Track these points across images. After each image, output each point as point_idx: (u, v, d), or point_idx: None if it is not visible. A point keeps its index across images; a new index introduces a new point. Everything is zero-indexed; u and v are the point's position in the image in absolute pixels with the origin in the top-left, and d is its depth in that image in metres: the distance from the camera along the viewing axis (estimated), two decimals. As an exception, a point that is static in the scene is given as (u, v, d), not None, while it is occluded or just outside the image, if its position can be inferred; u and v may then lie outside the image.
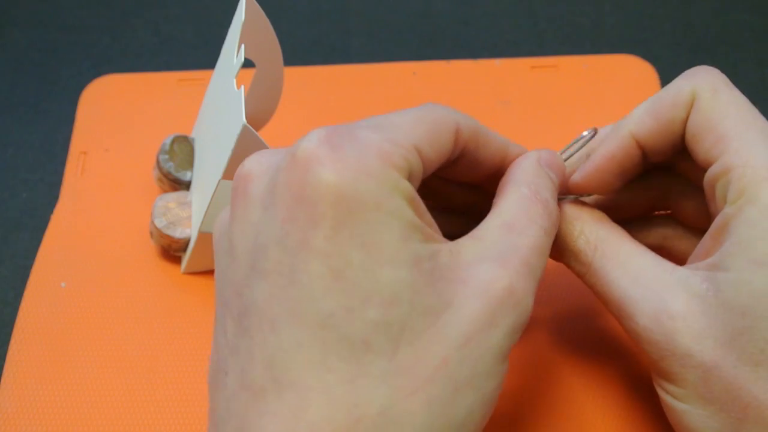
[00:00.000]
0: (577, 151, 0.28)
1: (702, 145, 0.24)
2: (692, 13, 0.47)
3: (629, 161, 0.26)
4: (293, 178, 0.20)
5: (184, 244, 0.34)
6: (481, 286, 0.20)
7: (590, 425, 0.30)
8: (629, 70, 0.42)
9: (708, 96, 0.24)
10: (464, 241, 0.22)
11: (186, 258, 0.34)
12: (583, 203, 0.27)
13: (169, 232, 0.34)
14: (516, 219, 0.23)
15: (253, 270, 0.20)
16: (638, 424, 0.30)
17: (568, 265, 0.26)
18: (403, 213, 0.20)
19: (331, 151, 0.20)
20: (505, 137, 0.26)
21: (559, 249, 0.26)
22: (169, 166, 0.36)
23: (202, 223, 0.32)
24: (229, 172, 0.30)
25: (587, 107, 0.41)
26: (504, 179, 0.25)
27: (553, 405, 0.31)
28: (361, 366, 0.19)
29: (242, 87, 0.29)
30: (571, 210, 0.26)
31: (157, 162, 0.36)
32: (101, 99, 0.42)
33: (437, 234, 0.22)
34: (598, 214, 0.26)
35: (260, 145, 0.29)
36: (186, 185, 0.36)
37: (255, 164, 0.22)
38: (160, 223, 0.34)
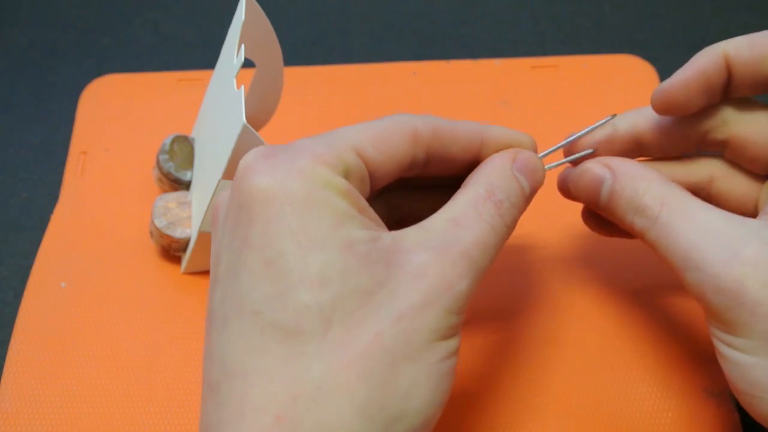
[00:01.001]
0: (589, 131, 0.28)
1: None
2: (692, 13, 0.47)
3: (717, 81, 0.26)
4: (235, 190, 0.22)
5: (184, 244, 0.34)
6: (415, 270, 0.21)
7: (590, 424, 0.30)
8: (629, 70, 0.42)
9: None
10: (409, 230, 0.23)
11: (186, 258, 0.34)
12: (646, 164, 0.27)
13: (169, 232, 0.34)
14: (463, 215, 0.23)
15: (213, 280, 0.23)
16: (639, 424, 0.30)
17: (631, 225, 0.25)
18: (334, 203, 0.21)
19: (264, 159, 0.22)
20: (479, 124, 0.26)
21: (623, 207, 0.26)
22: (169, 166, 0.36)
23: (202, 223, 0.32)
24: (229, 172, 0.30)
25: (587, 107, 0.41)
26: (468, 178, 0.26)
27: (551, 399, 0.31)
28: (295, 346, 0.20)
29: (242, 87, 0.29)
30: (637, 168, 0.26)
31: (157, 162, 0.36)
32: (101, 99, 0.42)
33: (380, 225, 0.23)
34: (663, 174, 0.26)
35: (260, 145, 0.29)
36: (186, 185, 0.36)
37: (222, 195, 0.24)
38: (160, 223, 0.34)
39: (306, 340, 0.20)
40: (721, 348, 0.24)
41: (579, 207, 0.32)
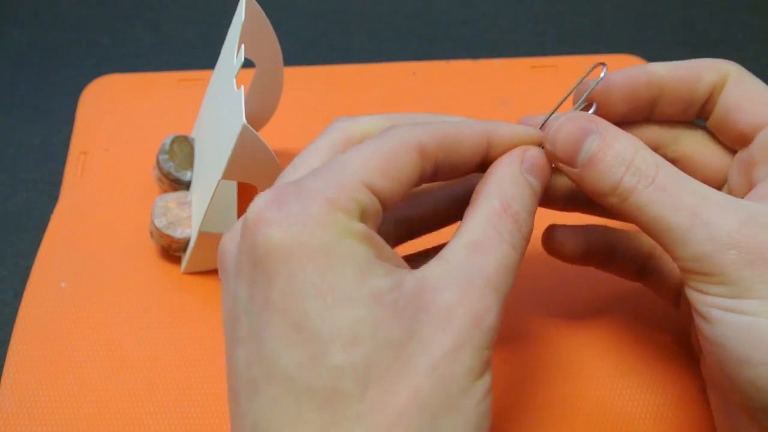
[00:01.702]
0: (582, 80, 0.28)
1: (747, 111, 0.26)
2: (692, 13, 0.47)
3: (644, 91, 0.27)
4: (247, 243, 0.21)
5: (184, 244, 0.34)
6: (442, 313, 0.20)
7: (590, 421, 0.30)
8: (629, 70, 0.42)
9: (746, 75, 0.27)
10: (431, 265, 0.22)
11: (186, 258, 0.34)
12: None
13: (169, 232, 0.34)
14: (483, 237, 0.22)
15: (232, 340, 0.22)
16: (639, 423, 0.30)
17: (616, 182, 0.24)
18: (355, 253, 0.20)
19: (277, 210, 0.20)
20: (483, 122, 0.25)
21: (610, 163, 0.24)
22: (169, 166, 0.36)
23: (202, 223, 0.32)
24: (229, 172, 0.30)
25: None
26: (478, 187, 0.25)
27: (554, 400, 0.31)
28: (333, 412, 0.19)
29: (242, 87, 0.29)
30: (625, 133, 0.25)
31: (157, 162, 0.36)
32: (101, 99, 0.42)
33: (400, 264, 0.22)
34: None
35: (260, 145, 0.29)
36: (186, 185, 0.36)
37: (227, 238, 0.23)
38: (160, 223, 0.34)
39: (344, 404, 0.19)
40: (724, 317, 0.22)
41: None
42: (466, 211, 0.24)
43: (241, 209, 0.33)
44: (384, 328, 0.20)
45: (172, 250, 0.35)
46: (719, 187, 0.28)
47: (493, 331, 0.21)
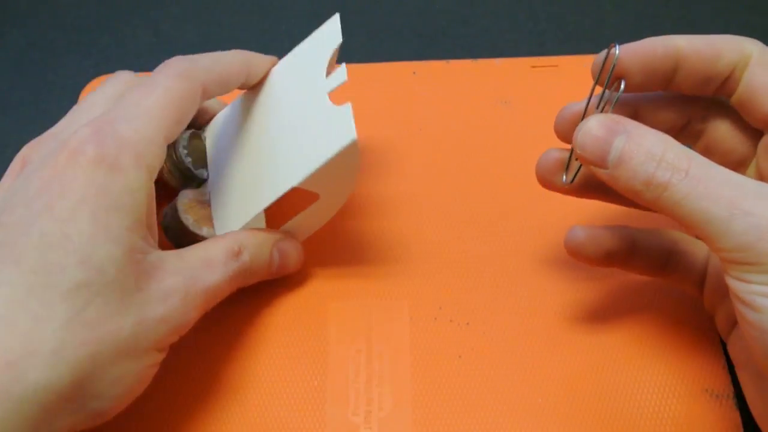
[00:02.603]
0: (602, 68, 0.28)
1: None
2: (692, 13, 0.47)
3: (661, 67, 0.27)
4: (59, 159, 0.25)
5: None
6: (166, 292, 0.26)
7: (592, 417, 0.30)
8: (629, 70, 0.42)
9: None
10: (170, 255, 0.27)
11: None
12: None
13: (196, 230, 0.33)
14: (215, 259, 0.29)
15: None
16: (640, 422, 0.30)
17: (649, 178, 0.24)
18: (137, 210, 0.25)
19: (95, 146, 0.25)
20: (243, 54, 0.32)
21: (641, 160, 0.24)
22: (188, 162, 0.34)
23: (246, 224, 0.32)
24: (309, 181, 0.29)
25: (587, 107, 0.41)
26: (229, 234, 0.31)
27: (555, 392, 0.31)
28: (51, 312, 0.23)
29: (349, 104, 0.28)
30: (653, 130, 0.25)
31: (175, 155, 0.34)
32: (101, 99, 0.42)
33: (153, 239, 0.27)
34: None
35: (354, 164, 0.29)
36: (197, 183, 0.35)
37: (32, 150, 0.29)
38: (187, 220, 0.33)
39: (62, 309, 0.23)
40: (767, 303, 0.23)
41: (585, 207, 0.32)
42: (210, 241, 0.30)
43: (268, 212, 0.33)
44: (125, 274, 0.25)
45: (182, 248, 0.33)
46: (748, 165, 0.28)
47: (189, 326, 0.27)
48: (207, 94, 0.29)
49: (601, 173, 0.25)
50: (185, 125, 0.29)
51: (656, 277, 0.31)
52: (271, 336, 0.33)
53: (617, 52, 0.27)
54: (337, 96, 0.30)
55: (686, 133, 0.30)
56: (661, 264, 0.31)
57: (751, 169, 0.28)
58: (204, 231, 0.33)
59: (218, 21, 0.47)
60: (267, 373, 0.32)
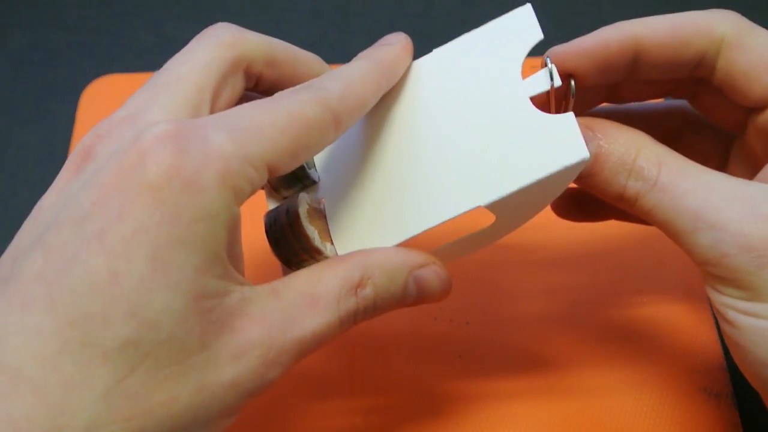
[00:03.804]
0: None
1: (759, 81, 0.23)
2: (692, 13, 0.47)
3: (618, 58, 0.24)
4: (123, 164, 0.19)
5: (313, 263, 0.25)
6: (240, 346, 0.20)
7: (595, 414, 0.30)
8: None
9: (748, 34, 0.24)
10: (261, 294, 0.21)
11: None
12: (633, 128, 0.24)
13: (320, 246, 0.25)
14: (324, 297, 0.22)
15: (38, 240, 0.19)
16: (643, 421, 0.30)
17: (621, 190, 0.23)
18: (212, 242, 0.19)
19: (173, 153, 0.19)
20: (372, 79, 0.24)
21: (611, 170, 0.23)
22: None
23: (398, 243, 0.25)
24: (506, 201, 0.24)
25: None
26: (354, 254, 0.24)
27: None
28: (88, 376, 0.18)
29: (571, 114, 0.23)
30: (625, 130, 0.24)
31: None
32: (101, 99, 0.42)
33: (238, 272, 0.21)
34: (651, 137, 0.24)
35: (563, 184, 0.24)
36: (300, 185, 0.28)
37: (99, 140, 0.21)
38: (312, 233, 0.25)
39: (102, 374, 0.18)
40: (740, 320, 0.22)
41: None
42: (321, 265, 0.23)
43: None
44: (186, 329, 0.19)
45: (292, 265, 0.26)
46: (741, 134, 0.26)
47: (267, 386, 0.21)
48: (339, 128, 0.22)
49: (578, 182, 0.24)
50: (304, 161, 0.22)
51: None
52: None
53: (550, 65, 0.24)
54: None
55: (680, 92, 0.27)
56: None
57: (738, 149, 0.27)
58: (328, 249, 0.25)
59: (218, 21, 0.47)
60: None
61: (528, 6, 0.26)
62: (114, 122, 0.22)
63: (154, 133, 0.19)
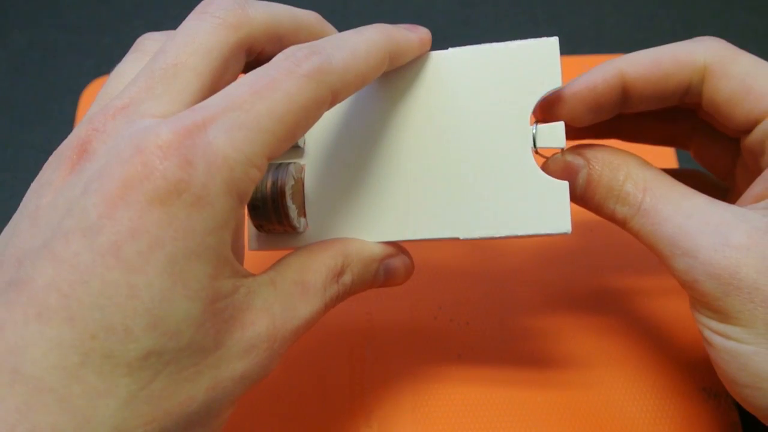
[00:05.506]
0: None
1: (742, 107, 0.24)
2: (691, 14, 0.47)
3: (607, 98, 0.26)
4: (127, 174, 0.19)
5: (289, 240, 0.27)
6: (250, 341, 0.21)
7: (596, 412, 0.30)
8: (629, 70, 0.42)
9: (731, 61, 0.24)
10: (261, 284, 0.22)
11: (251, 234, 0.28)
12: (623, 150, 0.25)
13: (296, 224, 0.26)
14: (312, 281, 0.23)
15: (44, 247, 0.19)
16: (641, 420, 0.30)
17: (611, 214, 0.25)
18: (222, 249, 0.20)
19: (179, 167, 0.19)
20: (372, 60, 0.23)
21: (601, 195, 0.25)
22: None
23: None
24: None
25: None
26: (334, 241, 0.26)
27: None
28: (112, 386, 0.18)
29: (566, 184, 0.24)
30: (614, 155, 0.25)
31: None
32: (101, 99, 0.42)
33: (239, 262, 0.22)
34: (641, 159, 0.25)
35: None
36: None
37: (95, 134, 0.21)
38: (292, 211, 0.26)
39: (126, 383, 0.19)
40: (714, 339, 0.23)
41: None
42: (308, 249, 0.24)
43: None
44: (204, 332, 0.20)
45: (262, 230, 0.27)
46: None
47: (266, 375, 0.22)
48: (335, 103, 0.22)
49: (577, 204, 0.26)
50: (298, 139, 0.23)
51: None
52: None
53: (535, 131, 0.25)
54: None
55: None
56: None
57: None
58: (301, 225, 0.27)
59: (218, 21, 0.47)
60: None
61: (555, 40, 0.25)
62: (109, 113, 0.21)
63: (156, 143, 0.19)
